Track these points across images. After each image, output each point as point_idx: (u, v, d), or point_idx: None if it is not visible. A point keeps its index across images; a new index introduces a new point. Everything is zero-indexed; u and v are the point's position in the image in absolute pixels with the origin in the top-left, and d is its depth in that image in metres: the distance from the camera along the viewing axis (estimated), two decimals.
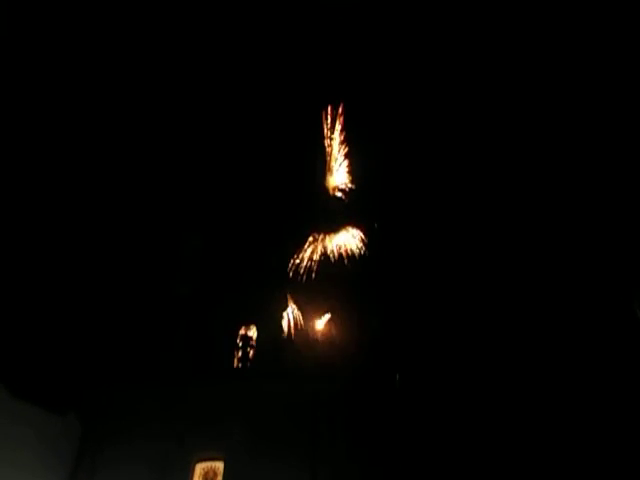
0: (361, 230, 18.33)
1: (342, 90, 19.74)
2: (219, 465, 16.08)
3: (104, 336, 16.65)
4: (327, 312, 17.95)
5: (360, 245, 17.95)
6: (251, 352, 17.23)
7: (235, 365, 17.17)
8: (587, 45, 14.98)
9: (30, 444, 15.28)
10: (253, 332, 17.48)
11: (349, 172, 19.36)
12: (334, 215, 18.79)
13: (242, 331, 17.43)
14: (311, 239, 18.33)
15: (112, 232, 16.40)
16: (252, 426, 15.81)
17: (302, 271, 17.74)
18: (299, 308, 17.63)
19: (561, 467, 13.73)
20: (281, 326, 17.24)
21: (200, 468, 16.18)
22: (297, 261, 17.88)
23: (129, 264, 16.88)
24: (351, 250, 17.88)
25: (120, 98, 16.81)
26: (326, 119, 19.26)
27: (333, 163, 19.21)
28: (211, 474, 16.15)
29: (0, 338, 14.44)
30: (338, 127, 19.22)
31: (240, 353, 17.16)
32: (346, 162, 19.39)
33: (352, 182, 19.05)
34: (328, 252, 18.00)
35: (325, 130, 19.37)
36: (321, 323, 17.88)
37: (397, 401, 15.70)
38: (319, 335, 17.55)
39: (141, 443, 16.11)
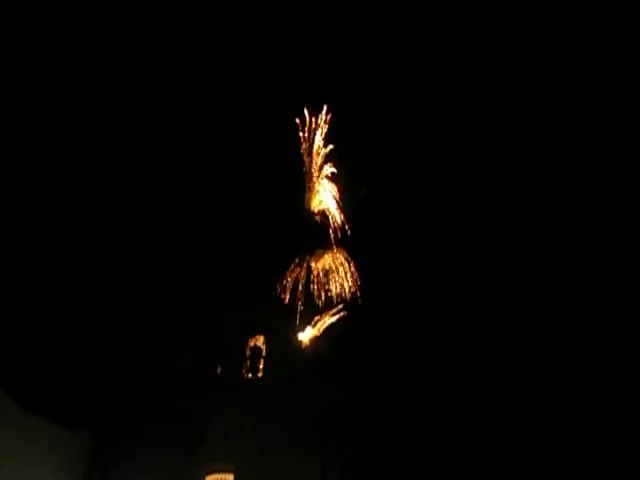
0: (347, 252, 17.41)
1: (326, 91, 17.43)
2: (229, 477, 16.07)
3: (113, 351, 16.77)
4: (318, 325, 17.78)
5: (346, 267, 17.31)
6: (260, 363, 17.26)
7: (244, 376, 17.20)
8: (587, 45, 14.91)
9: (41, 458, 15.38)
10: (261, 343, 17.52)
11: (337, 199, 17.53)
12: (318, 237, 17.61)
13: (250, 342, 17.48)
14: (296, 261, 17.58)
15: (122, 249, 16.52)
16: (261, 437, 15.80)
17: (288, 294, 17.19)
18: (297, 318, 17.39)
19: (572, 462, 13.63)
20: (288, 337, 17.26)
21: None
22: (284, 282, 17.34)
23: (136, 280, 17.04)
24: (338, 274, 17.19)
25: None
26: (302, 129, 16.90)
27: (315, 179, 17.41)
28: None
29: (11, 354, 14.60)
30: (320, 137, 16.86)
31: (249, 364, 17.20)
32: (332, 186, 17.50)
33: (339, 209, 17.27)
34: (313, 276, 17.35)
35: (303, 140, 17.07)
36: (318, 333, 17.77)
37: (405, 406, 15.63)
38: (313, 346, 17.37)
39: (151, 456, 16.14)
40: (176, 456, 16.09)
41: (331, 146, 17.31)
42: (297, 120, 17.06)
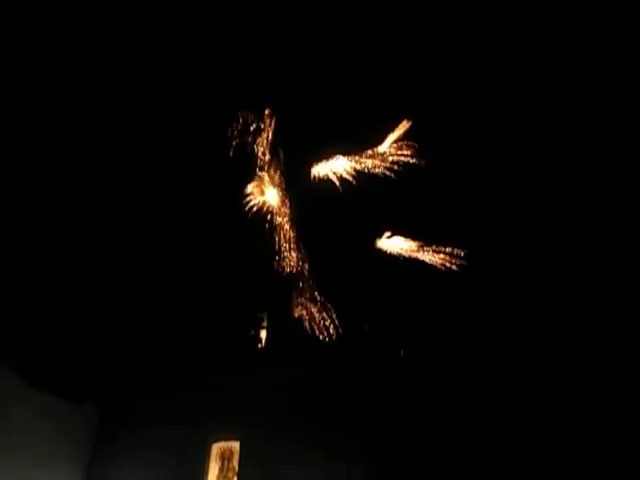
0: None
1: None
2: (235, 445, 16.57)
3: (119, 324, 16.91)
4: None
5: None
6: (264, 334, 17.66)
7: (249, 347, 17.61)
8: (587, 45, 14.84)
9: (48, 433, 15.60)
10: (266, 315, 17.87)
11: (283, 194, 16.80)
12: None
13: (256, 314, 17.82)
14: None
15: (125, 226, 16.41)
16: (267, 405, 16.30)
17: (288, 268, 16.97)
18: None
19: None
20: (293, 309, 17.61)
21: (217, 448, 16.64)
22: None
23: (140, 254, 17.06)
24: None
25: None
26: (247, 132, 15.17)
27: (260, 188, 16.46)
28: (228, 454, 16.65)
29: (16, 330, 14.60)
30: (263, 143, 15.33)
31: (254, 335, 17.59)
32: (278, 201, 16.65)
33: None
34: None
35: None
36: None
37: (409, 379, 16.09)
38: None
39: (158, 428, 16.55)
40: (183, 427, 16.53)
41: (279, 152, 16.26)
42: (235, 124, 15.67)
